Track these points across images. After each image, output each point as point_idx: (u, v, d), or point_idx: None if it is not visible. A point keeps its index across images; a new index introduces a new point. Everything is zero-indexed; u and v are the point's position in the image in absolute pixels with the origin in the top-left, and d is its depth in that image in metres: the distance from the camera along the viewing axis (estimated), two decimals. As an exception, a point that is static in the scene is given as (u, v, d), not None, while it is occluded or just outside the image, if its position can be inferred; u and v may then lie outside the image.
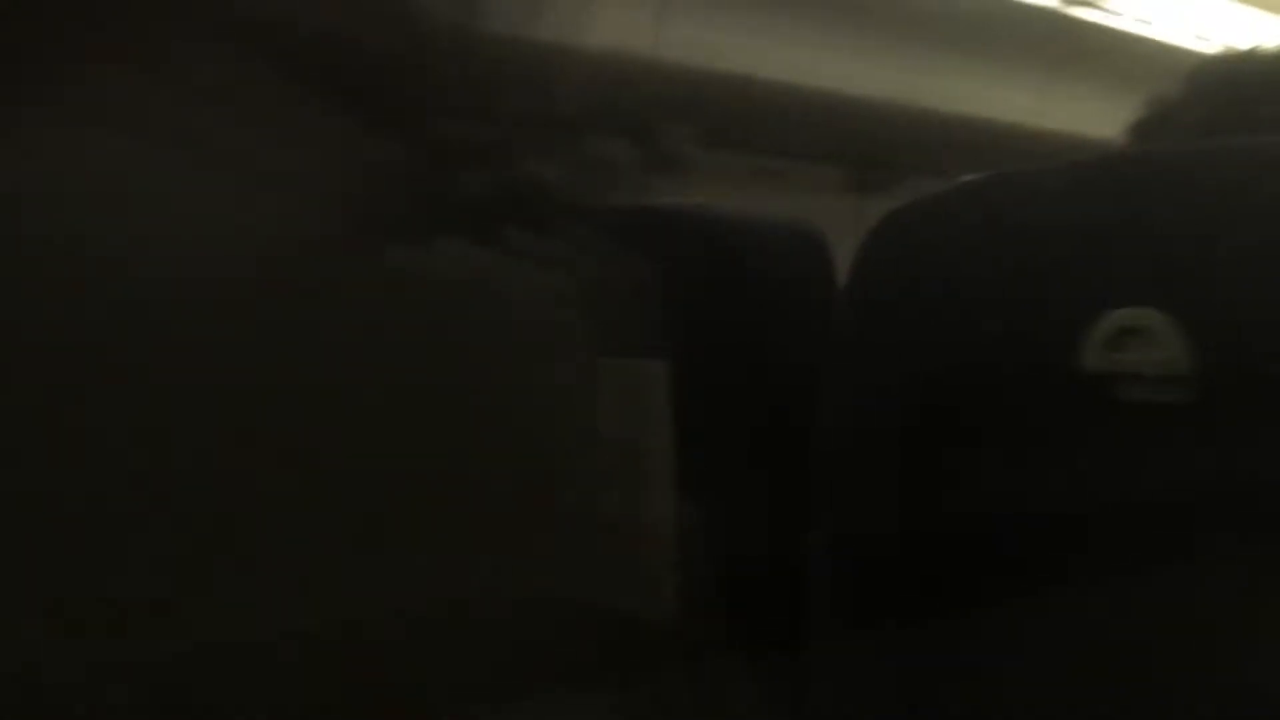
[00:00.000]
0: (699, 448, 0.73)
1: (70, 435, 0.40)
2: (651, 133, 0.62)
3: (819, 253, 0.88)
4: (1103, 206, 0.71)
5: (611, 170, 0.61)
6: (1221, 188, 0.69)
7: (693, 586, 0.73)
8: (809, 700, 0.76)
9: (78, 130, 0.42)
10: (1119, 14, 2.30)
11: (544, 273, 0.54)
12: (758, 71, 1.80)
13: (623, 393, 0.70)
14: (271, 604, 0.43)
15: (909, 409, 0.75)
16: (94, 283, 0.41)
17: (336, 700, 0.45)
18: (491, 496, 0.50)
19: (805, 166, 2.05)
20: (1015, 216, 0.75)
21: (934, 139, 2.10)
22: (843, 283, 0.82)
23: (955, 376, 0.74)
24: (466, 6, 0.52)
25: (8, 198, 0.40)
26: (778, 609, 0.77)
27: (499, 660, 0.49)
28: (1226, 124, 0.87)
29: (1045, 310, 0.71)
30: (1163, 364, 0.66)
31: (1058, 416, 0.70)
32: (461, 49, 0.52)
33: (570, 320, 0.55)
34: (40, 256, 0.40)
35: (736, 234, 0.87)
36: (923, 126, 2.09)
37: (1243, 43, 0.99)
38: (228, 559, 0.42)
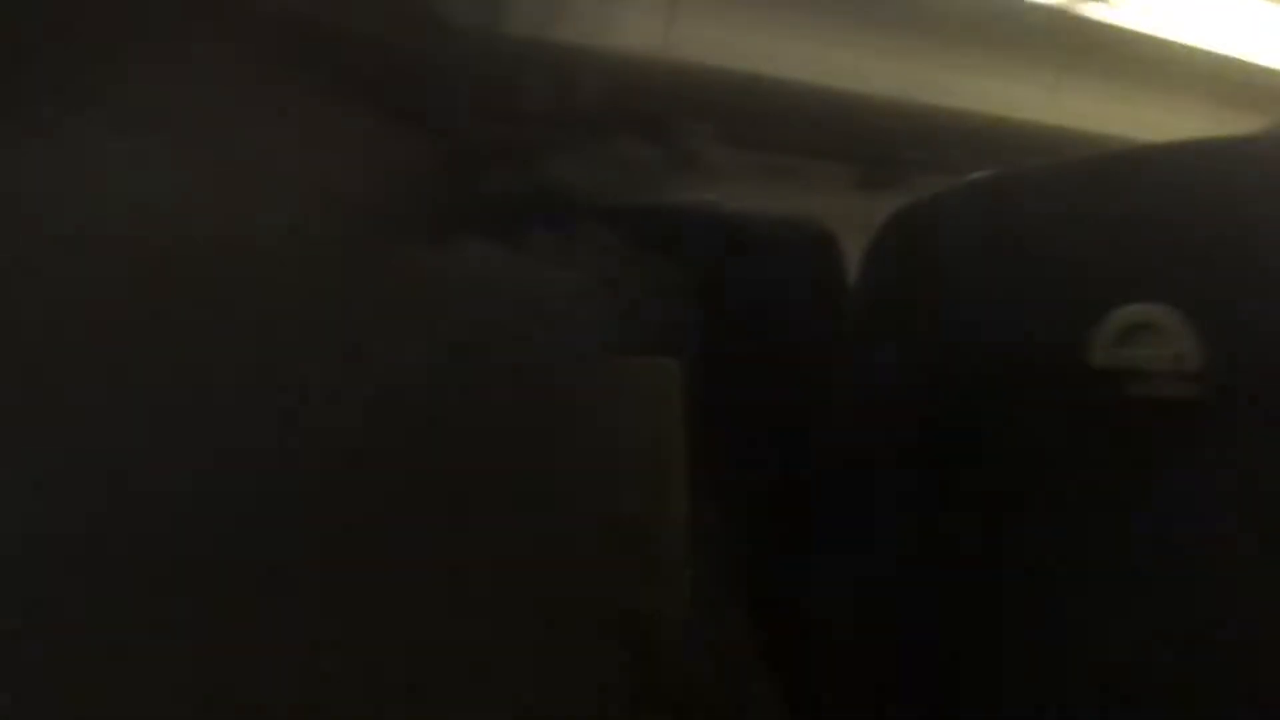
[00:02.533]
0: (712, 444, 0.73)
1: (75, 433, 0.41)
2: (668, 131, 0.63)
3: (829, 250, 0.88)
4: (1112, 203, 0.71)
5: (629, 169, 0.61)
6: (1229, 183, 0.69)
7: (707, 581, 0.73)
8: (826, 693, 0.76)
9: (108, 130, 0.42)
10: (1129, 12, 2.30)
11: (561, 271, 0.54)
12: (768, 70, 1.80)
13: (636, 390, 0.71)
14: (283, 597, 0.44)
15: (919, 403, 0.76)
16: (116, 279, 0.42)
17: (347, 693, 0.45)
18: (507, 494, 0.51)
19: (815, 164, 2.05)
20: (1024, 213, 0.75)
21: (943, 137, 2.10)
22: (852, 280, 0.83)
23: (964, 371, 0.74)
24: (488, 10, 0.52)
25: (34, 196, 0.41)
26: (791, 602, 0.77)
27: (511, 656, 0.50)
28: None
29: (1054, 306, 0.71)
30: (1172, 360, 0.66)
31: (1067, 411, 0.70)
32: (480, 51, 0.52)
33: (587, 317, 0.55)
34: (68, 253, 0.41)
35: (747, 232, 0.88)
36: (932, 124, 2.09)
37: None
38: (242, 558, 0.43)
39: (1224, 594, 0.65)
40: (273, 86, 0.46)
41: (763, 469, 0.82)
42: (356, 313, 0.46)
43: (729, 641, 0.74)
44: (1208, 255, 0.68)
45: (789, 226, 0.90)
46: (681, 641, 0.72)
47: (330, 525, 0.44)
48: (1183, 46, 2.34)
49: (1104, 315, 0.68)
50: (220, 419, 0.43)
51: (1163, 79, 2.28)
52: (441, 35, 0.51)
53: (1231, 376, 0.66)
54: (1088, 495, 0.69)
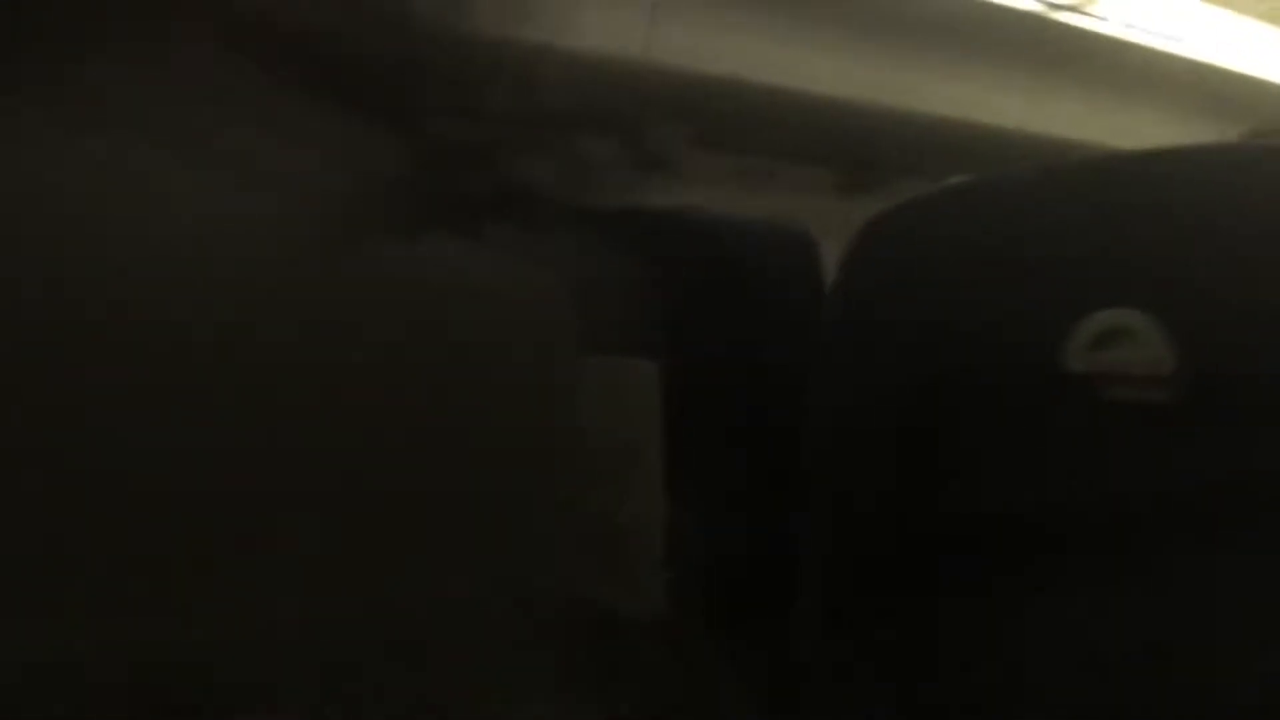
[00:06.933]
0: (688, 445, 0.74)
1: (68, 434, 0.41)
2: (642, 133, 0.63)
3: (807, 254, 0.88)
4: (1087, 209, 0.72)
5: (602, 170, 0.61)
6: (1204, 189, 0.70)
7: (681, 583, 0.73)
8: (801, 693, 0.76)
9: (78, 130, 0.42)
10: (1104, 19, 2.31)
11: (535, 271, 0.54)
12: (747, 74, 1.81)
13: (612, 391, 0.71)
14: (264, 600, 0.44)
15: (896, 408, 0.76)
16: (91, 281, 0.41)
17: (325, 694, 0.45)
18: (480, 493, 0.51)
19: (794, 168, 2.05)
20: (1000, 219, 0.75)
21: (921, 142, 2.11)
22: (830, 284, 0.83)
23: (941, 376, 0.74)
24: (458, 8, 0.52)
25: (8, 196, 0.41)
26: (766, 605, 0.77)
27: (487, 655, 0.50)
28: None
29: (1030, 311, 0.71)
30: (1146, 364, 0.67)
31: (1042, 416, 0.71)
32: (453, 50, 0.52)
33: (560, 319, 0.55)
34: (40, 255, 0.41)
35: (726, 235, 0.88)
36: (910, 130, 2.10)
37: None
38: (223, 556, 0.43)
39: (1203, 594, 0.65)
40: (245, 86, 0.45)
41: (740, 472, 0.82)
42: (329, 312, 0.46)
43: (704, 644, 0.74)
44: (1182, 260, 0.68)
45: (768, 230, 0.90)
46: (656, 644, 0.72)
47: (301, 519, 0.44)
48: (1159, 53, 2.36)
49: (1080, 320, 0.69)
50: (198, 416, 0.43)
51: (1139, 86, 2.29)
52: (421, 35, 0.51)
53: (1205, 380, 0.66)
54: (1064, 500, 0.70)
